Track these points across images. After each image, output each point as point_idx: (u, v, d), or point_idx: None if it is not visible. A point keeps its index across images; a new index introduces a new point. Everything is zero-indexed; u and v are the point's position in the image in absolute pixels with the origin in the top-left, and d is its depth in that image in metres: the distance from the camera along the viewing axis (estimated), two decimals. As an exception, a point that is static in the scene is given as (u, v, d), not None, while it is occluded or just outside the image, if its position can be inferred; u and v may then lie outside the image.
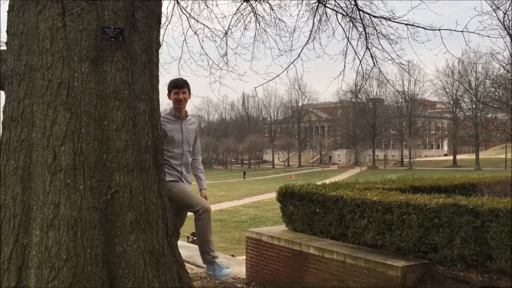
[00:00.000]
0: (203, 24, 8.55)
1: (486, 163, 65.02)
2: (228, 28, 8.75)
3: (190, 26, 8.41)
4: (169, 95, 4.83)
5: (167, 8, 16.66)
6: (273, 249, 7.67)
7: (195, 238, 18.05)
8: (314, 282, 6.61)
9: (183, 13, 8.32)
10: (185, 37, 8.43)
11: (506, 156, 60.98)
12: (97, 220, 3.62)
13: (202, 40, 8.56)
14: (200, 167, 5.12)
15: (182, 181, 4.80)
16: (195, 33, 8.47)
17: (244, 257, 9.06)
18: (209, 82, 8.77)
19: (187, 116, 4.91)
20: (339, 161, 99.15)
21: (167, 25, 8.25)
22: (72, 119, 3.66)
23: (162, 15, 4.52)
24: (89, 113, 3.71)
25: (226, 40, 8.80)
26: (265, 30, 8.83)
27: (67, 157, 3.61)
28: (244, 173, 75.76)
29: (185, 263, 4.71)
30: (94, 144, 3.71)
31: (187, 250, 11.78)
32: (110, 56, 3.81)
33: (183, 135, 4.80)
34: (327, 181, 8.96)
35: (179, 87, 4.76)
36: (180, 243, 13.38)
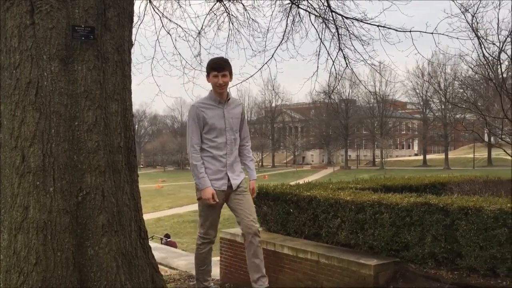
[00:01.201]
0: (176, 24, 8.51)
1: (455, 163, 66.55)
2: (202, 28, 8.72)
3: (163, 25, 8.35)
4: (207, 77, 4.22)
5: (139, 7, 16.46)
6: (247, 249, 7.65)
7: (168, 240, 17.90)
8: (289, 282, 6.63)
9: (156, 12, 8.26)
10: (157, 37, 8.36)
11: (474, 155, 62.57)
12: (67, 222, 3.55)
13: (175, 40, 8.50)
14: (249, 154, 4.53)
15: (223, 176, 4.25)
16: (168, 32, 8.41)
17: (219, 258, 9.02)
18: (183, 82, 8.71)
19: (229, 99, 4.30)
20: (313, 161, 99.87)
21: (140, 24, 8.17)
22: (41, 120, 3.57)
23: (134, 14, 4.46)
24: (59, 113, 3.64)
25: (199, 40, 8.77)
26: (238, 31, 8.84)
27: (36, 158, 3.53)
28: None
29: (159, 265, 4.66)
30: (65, 145, 3.64)
31: (161, 252, 11.67)
32: (81, 55, 3.75)
33: (225, 121, 4.22)
34: (301, 181, 8.99)
35: (218, 69, 4.12)
36: (154, 245, 13.25)
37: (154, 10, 8.23)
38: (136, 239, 3.93)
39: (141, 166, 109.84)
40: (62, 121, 3.64)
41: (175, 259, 10.93)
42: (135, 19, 7.13)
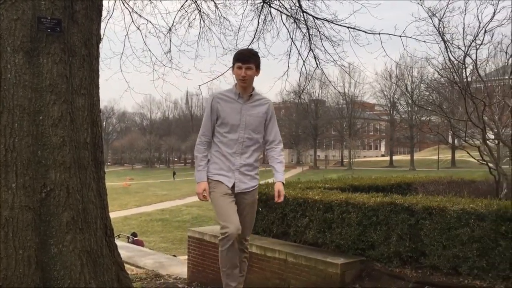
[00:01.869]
0: (146, 20, 8.37)
1: (420, 164, 68.02)
2: (172, 24, 8.62)
3: (132, 21, 8.22)
4: (232, 68, 3.87)
5: (109, 1, 16.18)
6: (215, 248, 7.62)
7: (135, 238, 17.67)
8: (257, 281, 6.64)
9: (126, 7, 8.11)
10: (127, 32, 8.21)
11: (438, 157, 64.09)
12: (30, 219, 3.45)
13: (145, 36, 8.37)
14: (277, 156, 4.01)
15: (231, 175, 3.83)
16: (138, 28, 8.28)
17: (186, 257, 8.96)
18: (152, 79, 8.59)
19: (251, 95, 3.90)
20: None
21: (109, 19, 8.00)
22: (4, 113, 3.47)
23: (103, 8, 4.37)
24: (22, 107, 3.53)
25: (170, 36, 8.66)
26: (209, 28, 8.77)
27: (-2, 153, 3.42)
28: (174, 173, 71.13)
29: (125, 264, 4.59)
30: (28, 140, 3.54)
31: (127, 250, 11.50)
32: (47, 47, 3.65)
33: (241, 117, 3.83)
34: (270, 181, 9.01)
35: (243, 61, 3.76)
36: (120, 243, 13.05)
37: (124, 5, 8.09)
38: (102, 237, 3.86)
39: (108, 163, 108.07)
40: (26, 115, 3.54)
41: (142, 258, 10.78)
42: (104, 13, 6.98)
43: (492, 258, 4.64)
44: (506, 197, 7.29)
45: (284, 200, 6.87)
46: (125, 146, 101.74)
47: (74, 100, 3.78)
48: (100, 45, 4.31)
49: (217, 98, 3.86)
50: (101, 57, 8.80)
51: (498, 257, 4.60)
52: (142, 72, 8.82)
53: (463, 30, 8.75)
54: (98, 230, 3.81)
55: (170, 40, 8.55)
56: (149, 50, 8.35)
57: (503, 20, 7.90)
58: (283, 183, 3.91)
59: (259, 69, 3.86)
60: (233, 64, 3.84)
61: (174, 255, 14.60)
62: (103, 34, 7.07)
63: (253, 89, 3.91)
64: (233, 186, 3.84)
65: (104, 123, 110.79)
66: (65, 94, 3.68)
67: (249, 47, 4.02)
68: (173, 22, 8.64)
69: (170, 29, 8.63)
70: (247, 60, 3.77)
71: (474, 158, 9.51)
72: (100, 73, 4.21)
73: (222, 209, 3.79)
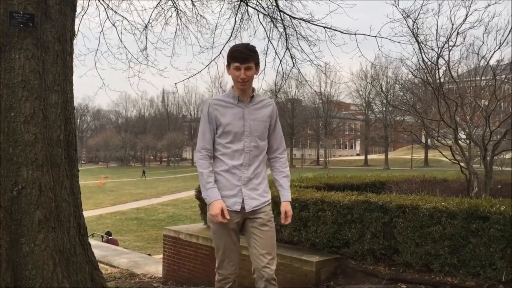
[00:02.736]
0: (122, 16, 8.27)
1: (394, 163, 69.04)
2: (148, 22, 8.53)
3: (108, 17, 8.10)
4: (227, 68, 3.32)
5: (84, -3, 15.94)
6: (191, 247, 7.60)
7: (109, 237, 17.45)
8: (232, 279, 6.63)
9: (101, 3, 7.99)
10: (102, 29, 8.09)
11: (412, 156, 65.16)
12: (1, 218, 3.38)
13: (121, 33, 8.27)
14: (283, 168, 3.50)
15: (237, 193, 3.28)
16: (113, 25, 8.16)
17: (161, 256, 8.90)
18: (128, 76, 8.48)
19: (253, 96, 3.36)
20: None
21: (83, 15, 7.87)
22: (-27, 110, 3.38)
23: (78, 3, 4.30)
24: (-7, 104, 3.45)
25: (146, 34, 8.57)
26: (186, 26, 8.72)
27: (-32, 150, 3.34)
28: (143, 172, 67.37)
29: (100, 263, 4.53)
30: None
31: (101, 250, 11.37)
32: (19, 43, 3.57)
33: (245, 123, 3.28)
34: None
35: (242, 60, 3.21)
36: (94, 242, 12.89)
37: (99, 1, 7.97)
38: (75, 235, 3.80)
39: (82, 162, 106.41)
40: (-3, 112, 3.46)
41: (116, 257, 10.68)
42: (79, 9, 6.88)
43: (463, 255, 4.75)
44: (476, 196, 7.46)
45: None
46: (100, 144, 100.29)
47: (47, 96, 3.71)
48: (75, 42, 4.24)
49: (214, 104, 3.29)
50: (76, 53, 8.65)
51: (468, 254, 4.71)
52: (118, 69, 8.70)
53: (437, 32, 8.92)
54: (71, 228, 3.75)
55: (146, 38, 8.47)
56: (125, 47, 8.25)
57: (475, 22, 8.08)
58: (290, 201, 3.42)
59: (259, 66, 3.34)
60: (228, 63, 3.27)
61: (149, 254, 14.48)
62: (78, 30, 6.97)
63: (254, 89, 3.36)
64: (242, 207, 3.27)
65: (79, 120, 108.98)
66: (37, 91, 3.61)
67: (244, 42, 3.58)
68: (149, 19, 8.58)
69: (146, 26, 8.55)
70: (246, 59, 3.20)
71: (447, 158, 9.70)
72: (74, 69, 4.15)
73: (222, 244, 3.34)
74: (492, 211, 5.06)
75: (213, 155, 3.31)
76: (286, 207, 3.37)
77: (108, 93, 63.62)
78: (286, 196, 3.41)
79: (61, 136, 3.79)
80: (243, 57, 3.18)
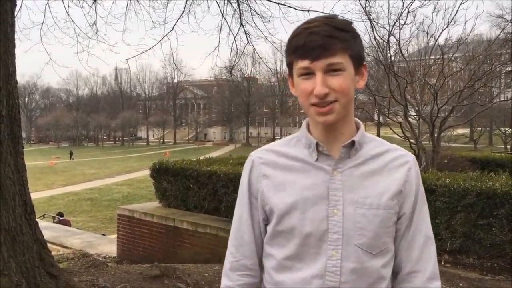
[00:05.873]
0: (69, -12, 7.92)
1: (348, 141, 70.68)
2: (98, -6, 8.20)
3: (54, -12, 7.73)
4: (289, 78, 1.44)
5: (28, -32, 15.20)
6: (146, 225, 7.54)
7: (61, 218, 17.03)
8: (187, 256, 6.65)
9: (46, -26, 7.60)
10: (48, 1, 7.73)
11: (365, 134, 66.89)
12: None
13: (68, 6, 7.95)
14: None
15: None
16: (60, -3, 7.80)
17: (116, 235, 8.79)
18: (76, 51, 8.16)
19: (353, 144, 1.39)
20: (215, 138, 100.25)
21: (27, -14, 7.49)
22: None
23: (20, -28, 4.07)
24: None
25: (95, 7, 8.25)
26: (138, 1, 8.47)
27: None
28: (71, 153, 63.04)
29: (52, 245, 4.41)
30: None
31: (53, 230, 11.09)
32: (-46, 12, 3.35)
33: (329, 209, 1.35)
34: (202, 158, 8.98)
35: (314, 52, 1.28)
36: (45, 224, 12.57)
37: (44, -29, 7.59)
38: (21, 214, 3.66)
39: (32, 142, 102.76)
40: None
41: (69, 238, 10.45)
42: (22, -21, 6.53)
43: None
44: (424, 170, 7.74)
45: (215, 175, 6.89)
46: (50, 124, 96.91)
47: (-13, 70, 3.52)
48: (19, 15, 4.03)
49: (262, 164, 1.48)
50: (20, 27, 8.26)
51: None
52: (65, 44, 8.34)
53: (388, 10, 9.09)
54: (16, 207, 3.61)
55: (96, 12, 8.15)
56: (72, 21, 7.93)
57: (425, 1, 8.26)
58: None
59: (363, 63, 1.39)
60: (290, 64, 1.38)
61: (103, 234, 14.27)
62: (22, 2, 6.63)
63: (359, 125, 1.45)
64: None
65: (27, 99, 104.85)
66: (-24, 63, 3.42)
67: (324, 16, 1.47)
68: (99, -8, 8.23)
69: (95, 0, 8.23)
70: (324, 48, 1.28)
71: (398, 135, 10.01)
72: (18, 44, 3.94)
73: None
74: (438, 184, 5.27)
75: (259, 268, 1.53)
76: None
77: (57, 69, 61.38)
78: None
79: (3, 112, 3.61)
80: (315, 45, 1.28)
